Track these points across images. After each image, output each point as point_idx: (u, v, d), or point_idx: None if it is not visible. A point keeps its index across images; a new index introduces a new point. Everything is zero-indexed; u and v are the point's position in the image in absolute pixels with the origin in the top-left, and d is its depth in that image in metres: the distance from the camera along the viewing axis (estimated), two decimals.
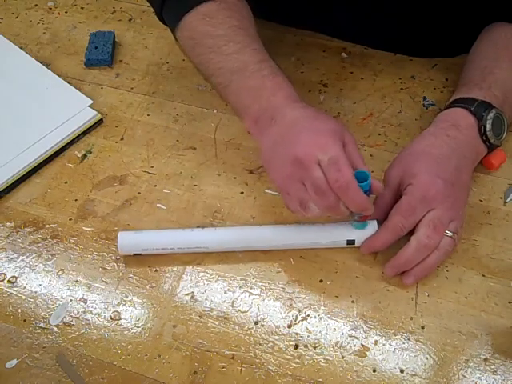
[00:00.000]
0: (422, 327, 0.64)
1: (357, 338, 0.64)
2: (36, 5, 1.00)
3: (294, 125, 0.64)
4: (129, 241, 0.69)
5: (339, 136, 0.63)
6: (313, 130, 0.63)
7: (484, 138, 0.70)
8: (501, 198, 0.74)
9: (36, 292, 0.68)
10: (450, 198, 0.66)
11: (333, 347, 0.63)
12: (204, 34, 0.72)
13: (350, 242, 0.68)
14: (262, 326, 0.65)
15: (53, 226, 0.73)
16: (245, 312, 0.66)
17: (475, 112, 0.69)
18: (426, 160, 0.67)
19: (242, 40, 0.71)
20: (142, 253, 0.69)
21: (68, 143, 0.80)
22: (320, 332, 0.64)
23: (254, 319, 0.65)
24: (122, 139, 0.81)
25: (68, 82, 0.87)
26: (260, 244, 0.69)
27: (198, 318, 0.66)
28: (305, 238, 0.69)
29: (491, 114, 0.69)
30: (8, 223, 0.73)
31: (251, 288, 0.67)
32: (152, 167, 0.78)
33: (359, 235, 0.68)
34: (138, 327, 0.65)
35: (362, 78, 0.87)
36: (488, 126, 0.70)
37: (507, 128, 0.72)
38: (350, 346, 0.63)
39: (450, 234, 0.65)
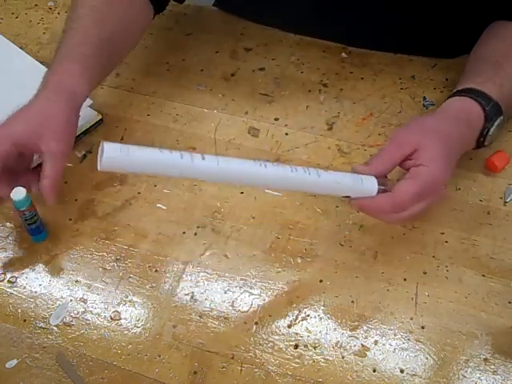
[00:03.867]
0: (422, 327, 0.64)
1: (357, 338, 0.64)
2: (36, 5, 1.00)
3: None
4: (116, 154, 0.57)
5: None
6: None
7: (482, 139, 0.71)
8: (501, 198, 0.74)
9: (36, 292, 0.68)
10: (440, 195, 0.67)
11: (333, 347, 0.63)
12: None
13: (346, 196, 0.66)
14: (262, 325, 0.65)
15: (53, 226, 0.73)
16: (245, 312, 0.66)
17: (488, 113, 0.70)
18: (444, 148, 0.66)
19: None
20: (129, 170, 0.60)
21: None
22: (320, 332, 0.64)
23: (254, 319, 0.65)
24: (121, 139, 0.81)
25: None
26: (258, 183, 0.65)
27: (198, 318, 0.66)
28: (305, 186, 0.65)
29: (498, 121, 0.70)
30: (8, 223, 0.73)
31: (251, 288, 0.67)
32: None
33: (355, 191, 0.65)
34: (138, 327, 0.65)
35: (362, 78, 0.87)
36: (491, 131, 0.70)
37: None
38: (350, 346, 0.63)
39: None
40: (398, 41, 0.86)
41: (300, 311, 0.66)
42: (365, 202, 0.64)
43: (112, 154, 0.56)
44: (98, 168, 0.57)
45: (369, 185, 0.64)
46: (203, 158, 0.59)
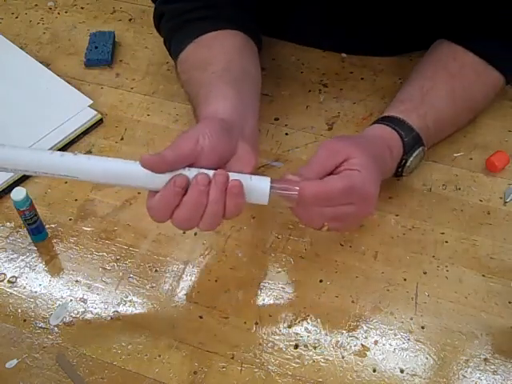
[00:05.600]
0: (422, 327, 0.64)
1: (357, 338, 0.64)
2: (36, 5, 1.00)
3: None
4: None
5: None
6: None
7: (399, 170, 0.71)
8: (501, 198, 0.74)
9: (36, 292, 0.68)
10: (368, 210, 0.64)
11: (333, 347, 0.63)
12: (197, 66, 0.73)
13: None
14: (262, 326, 0.65)
15: (53, 226, 0.73)
16: (245, 312, 0.66)
17: (407, 144, 0.69)
18: (374, 164, 0.63)
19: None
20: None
21: (68, 143, 0.80)
22: (320, 332, 0.64)
23: (254, 319, 0.65)
24: (122, 139, 0.81)
25: (68, 82, 0.87)
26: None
27: (198, 318, 0.66)
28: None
29: (416, 152, 0.70)
30: (8, 223, 0.73)
31: (251, 288, 0.67)
32: None
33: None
34: (138, 327, 0.65)
35: (362, 78, 0.87)
36: (408, 163, 0.70)
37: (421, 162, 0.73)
38: (350, 346, 0.63)
39: (325, 228, 0.63)
40: (398, 44, 0.87)
41: (300, 311, 0.66)
42: (285, 185, 0.60)
43: None
44: None
45: (259, 183, 0.59)
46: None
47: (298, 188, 0.59)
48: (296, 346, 0.63)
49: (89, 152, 0.80)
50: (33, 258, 0.71)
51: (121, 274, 0.69)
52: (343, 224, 0.64)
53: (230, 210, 0.58)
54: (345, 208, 0.61)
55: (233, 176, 0.58)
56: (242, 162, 0.60)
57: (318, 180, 0.61)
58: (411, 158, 0.70)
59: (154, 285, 0.68)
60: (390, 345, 0.63)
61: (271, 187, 0.59)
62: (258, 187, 0.59)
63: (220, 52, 0.73)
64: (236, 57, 0.73)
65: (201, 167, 0.58)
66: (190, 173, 0.58)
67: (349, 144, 0.64)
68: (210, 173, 0.58)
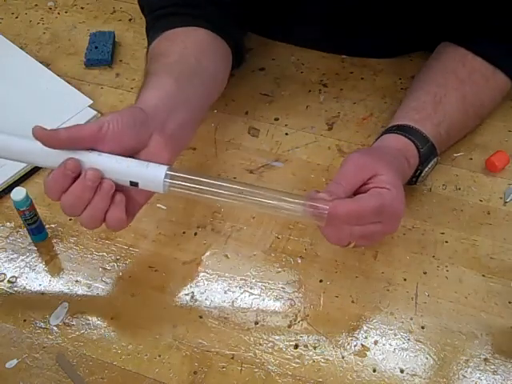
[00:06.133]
0: (422, 327, 0.64)
1: (357, 338, 0.64)
2: (36, 5, 1.00)
3: None
4: None
5: None
6: None
7: (414, 179, 0.71)
8: (501, 198, 0.74)
9: (36, 292, 0.68)
10: (395, 227, 0.63)
11: (333, 347, 0.63)
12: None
13: (133, 184, 0.59)
14: (262, 326, 0.65)
15: (53, 226, 0.73)
16: (245, 312, 0.66)
17: (423, 155, 0.69)
18: (399, 179, 0.63)
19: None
20: None
21: None
22: (320, 332, 0.64)
23: (254, 319, 0.65)
24: None
25: (68, 82, 0.87)
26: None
27: (198, 317, 0.66)
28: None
29: (432, 162, 0.70)
30: (8, 223, 0.73)
31: (251, 288, 0.67)
32: None
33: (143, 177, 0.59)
34: (138, 327, 0.65)
35: (362, 78, 0.87)
36: (424, 173, 0.70)
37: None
38: (350, 346, 0.63)
39: (352, 245, 0.62)
40: (400, 50, 0.87)
41: (300, 311, 0.66)
42: (317, 204, 0.58)
43: None
44: None
45: (155, 171, 0.58)
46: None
47: (328, 207, 0.58)
48: (296, 346, 0.63)
49: None
50: (33, 258, 0.71)
51: (121, 273, 0.69)
52: (369, 242, 0.63)
53: (110, 221, 0.59)
54: (373, 226, 0.61)
55: (130, 163, 0.58)
56: (152, 155, 0.59)
57: (349, 199, 0.60)
58: (426, 169, 0.70)
59: (154, 285, 0.68)
60: (390, 345, 0.63)
61: (167, 175, 0.58)
62: (153, 175, 0.58)
63: (179, 46, 0.72)
64: (193, 52, 0.71)
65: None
66: (88, 157, 0.58)
67: (376, 159, 0.63)
68: (99, 159, 0.58)
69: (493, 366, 0.62)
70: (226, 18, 0.76)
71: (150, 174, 0.58)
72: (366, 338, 0.64)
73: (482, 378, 0.61)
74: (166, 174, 0.58)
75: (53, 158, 0.58)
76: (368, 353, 0.63)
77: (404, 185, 0.65)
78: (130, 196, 0.60)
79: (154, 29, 0.76)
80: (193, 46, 0.72)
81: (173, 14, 0.75)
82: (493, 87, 0.76)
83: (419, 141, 0.69)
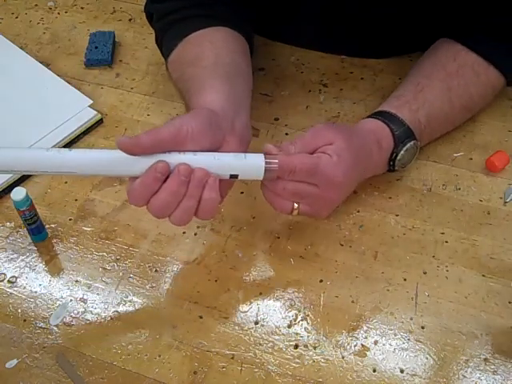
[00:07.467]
0: (422, 327, 0.64)
1: (357, 338, 0.64)
2: (36, 5, 1.00)
3: None
4: None
5: None
6: None
7: (391, 163, 0.71)
8: (501, 198, 0.74)
9: (36, 292, 0.68)
10: (334, 197, 0.66)
11: (333, 347, 0.63)
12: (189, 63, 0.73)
13: (233, 176, 0.62)
14: (262, 326, 0.65)
15: (53, 226, 0.73)
16: (245, 312, 0.66)
17: (398, 137, 0.70)
18: (352, 156, 0.65)
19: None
20: None
21: (68, 143, 0.80)
22: (320, 332, 0.64)
23: (254, 319, 0.65)
24: None
25: (68, 82, 0.87)
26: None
27: (198, 318, 0.66)
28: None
29: (408, 146, 0.70)
30: (8, 223, 0.73)
31: (251, 288, 0.67)
32: None
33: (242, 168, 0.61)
34: (138, 327, 0.65)
35: (361, 78, 0.87)
36: (399, 156, 0.70)
37: (415, 158, 0.73)
38: (350, 346, 0.63)
39: (296, 206, 0.64)
40: (400, 50, 0.87)
41: (300, 311, 0.66)
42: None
43: None
44: None
45: (254, 160, 0.61)
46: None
47: (277, 161, 0.61)
48: (296, 346, 0.63)
49: None
50: (33, 257, 0.71)
51: (121, 273, 0.69)
52: (311, 208, 0.65)
53: (204, 205, 0.59)
54: (307, 186, 0.63)
55: (227, 156, 0.60)
56: None
57: (287, 153, 0.62)
58: (402, 152, 0.70)
59: (154, 285, 0.68)
60: (390, 345, 0.63)
61: (266, 162, 0.61)
62: (253, 164, 0.61)
63: (209, 47, 0.73)
64: (225, 51, 0.73)
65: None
66: (170, 157, 0.58)
67: (334, 131, 0.65)
68: (196, 159, 0.59)
69: (493, 366, 0.62)
70: (237, 15, 0.77)
71: (250, 163, 0.61)
72: (365, 338, 0.64)
73: (482, 377, 0.61)
74: (266, 162, 0.61)
75: (141, 164, 0.58)
76: (368, 353, 0.63)
77: (388, 174, 0.71)
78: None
79: (169, 36, 0.77)
80: (222, 46, 0.73)
81: (186, 17, 0.76)
82: (484, 83, 0.76)
83: (394, 124, 0.70)
